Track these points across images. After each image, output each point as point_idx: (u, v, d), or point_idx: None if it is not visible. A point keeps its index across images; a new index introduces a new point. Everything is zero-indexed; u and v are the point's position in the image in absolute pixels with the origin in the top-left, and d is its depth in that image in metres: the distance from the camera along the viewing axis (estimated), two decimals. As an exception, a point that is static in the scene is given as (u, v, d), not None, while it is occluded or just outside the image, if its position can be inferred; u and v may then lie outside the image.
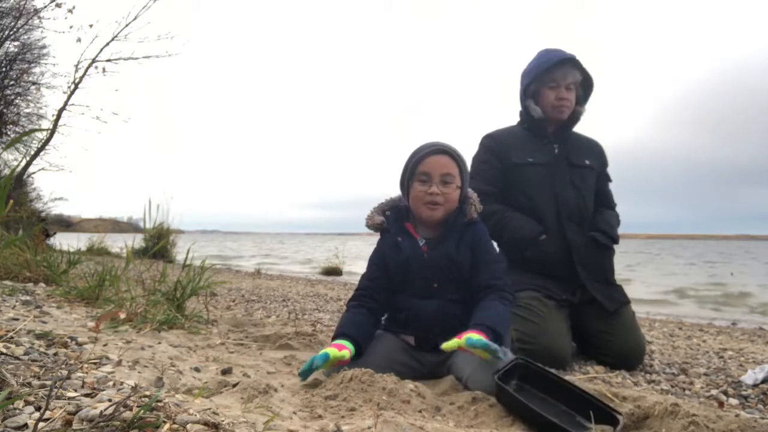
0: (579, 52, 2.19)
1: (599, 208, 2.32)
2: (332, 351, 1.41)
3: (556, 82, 2.21)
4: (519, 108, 2.35)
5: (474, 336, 1.34)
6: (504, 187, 2.26)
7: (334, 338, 1.54)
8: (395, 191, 1.79)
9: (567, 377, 1.67)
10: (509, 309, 1.55)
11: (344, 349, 1.44)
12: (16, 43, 10.32)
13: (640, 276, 11.36)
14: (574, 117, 2.28)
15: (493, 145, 2.31)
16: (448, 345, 1.37)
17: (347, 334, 1.53)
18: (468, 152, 2.38)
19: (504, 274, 1.63)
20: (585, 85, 2.29)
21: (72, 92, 10.06)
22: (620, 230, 2.34)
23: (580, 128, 2.36)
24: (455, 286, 1.61)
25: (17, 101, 10.62)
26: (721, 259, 20.91)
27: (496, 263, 1.63)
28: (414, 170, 1.63)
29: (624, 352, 2.04)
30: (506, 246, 2.27)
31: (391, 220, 1.71)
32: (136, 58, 10.29)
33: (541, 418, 1.11)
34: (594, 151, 2.35)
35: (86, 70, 10.08)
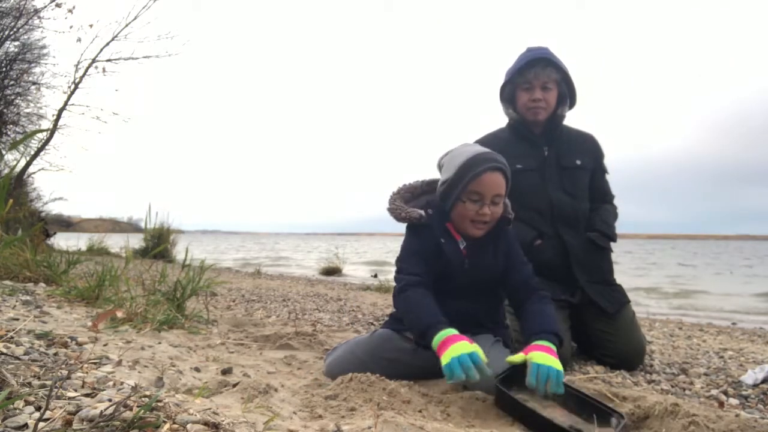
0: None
1: (596, 204, 2.29)
2: (469, 345, 1.33)
3: (529, 83, 2.16)
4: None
5: (548, 362, 1.29)
6: None
7: (429, 324, 1.41)
8: (395, 188, 1.75)
9: (567, 377, 1.68)
10: (554, 307, 1.59)
11: (465, 340, 1.36)
12: (16, 43, 10.32)
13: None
14: (556, 119, 2.22)
15: None
16: (513, 359, 1.34)
17: (445, 321, 1.42)
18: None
19: (533, 275, 1.66)
20: (569, 83, 2.21)
21: (72, 92, 10.07)
22: (622, 230, 2.31)
23: (573, 122, 2.31)
24: (493, 288, 1.66)
25: (17, 101, 10.62)
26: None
27: (526, 265, 1.67)
28: (466, 187, 1.55)
29: (625, 353, 2.03)
30: None
31: (435, 219, 1.64)
32: (136, 58, 10.30)
33: (542, 420, 1.11)
34: (586, 147, 2.30)
35: (86, 70, 10.08)
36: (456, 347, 1.32)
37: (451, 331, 1.37)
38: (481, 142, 2.32)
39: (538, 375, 1.26)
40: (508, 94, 2.26)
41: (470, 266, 1.60)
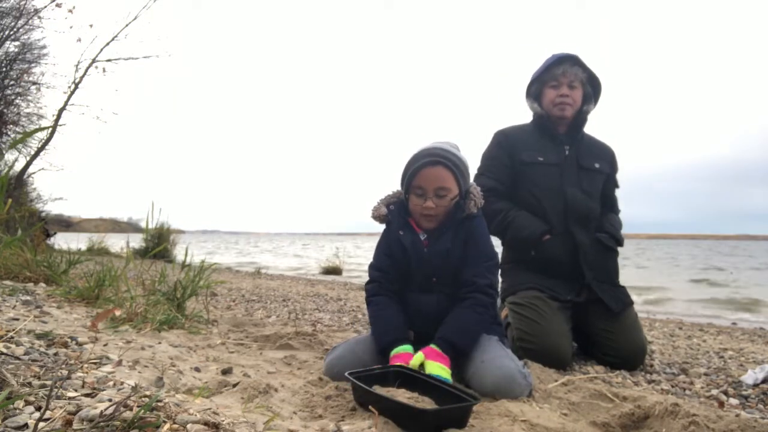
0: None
1: (604, 211, 2.33)
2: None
3: (557, 81, 2.22)
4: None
5: (439, 372, 1.38)
6: (512, 185, 2.26)
7: (389, 342, 1.52)
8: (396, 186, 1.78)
9: (566, 377, 1.68)
10: (487, 320, 1.57)
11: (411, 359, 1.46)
12: (16, 43, 10.32)
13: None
14: (581, 116, 2.28)
15: (504, 141, 2.31)
16: (415, 361, 1.43)
17: (403, 338, 1.54)
18: (475, 148, 2.38)
19: (490, 272, 1.62)
20: (594, 85, 2.29)
21: (72, 92, 10.09)
22: (623, 230, 2.35)
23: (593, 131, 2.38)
24: (454, 281, 1.62)
25: (17, 101, 10.62)
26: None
27: (484, 259, 1.62)
28: (410, 182, 1.62)
29: (626, 352, 2.04)
30: (511, 245, 2.28)
31: (394, 214, 1.71)
32: (136, 58, 10.33)
33: (390, 403, 1.09)
34: (605, 155, 2.36)
35: (86, 70, 10.10)
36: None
37: (401, 349, 1.50)
38: (507, 131, 2.37)
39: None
40: (535, 92, 2.32)
41: (430, 255, 1.61)
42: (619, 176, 2.41)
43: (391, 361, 1.48)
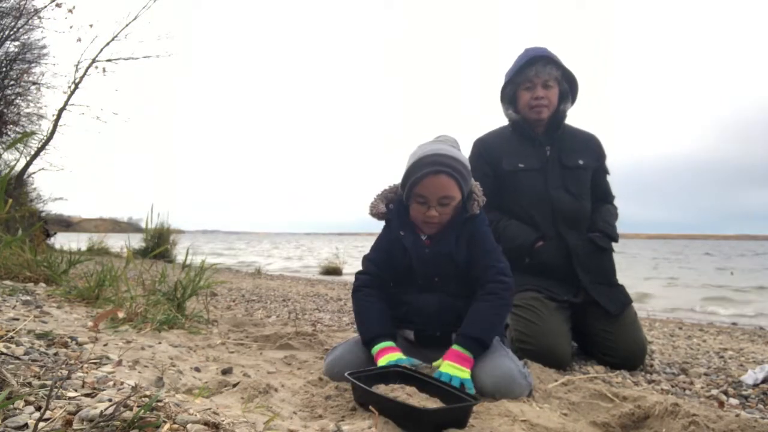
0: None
1: (597, 204, 2.29)
2: (395, 355, 1.46)
3: (531, 82, 2.16)
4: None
5: (452, 372, 1.38)
6: (497, 193, 2.20)
7: (372, 337, 1.53)
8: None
9: (566, 377, 1.68)
10: (504, 304, 1.55)
11: (397, 352, 1.49)
12: (16, 43, 10.33)
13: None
14: (559, 115, 2.22)
15: (484, 152, 2.27)
16: (437, 364, 1.45)
17: (388, 334, 1.55)
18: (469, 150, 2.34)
19: (497, 259, 1.60)
20: (570, 81, 2.22)
21: (72, 92, 10.10)
22: (622, 230, 2.32)
23: (576, 122, 2.32)
24: (456, 281, 1.61)
25: (17, 101, 10.62)
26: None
27: (490, 253, 1.60)
28: (411, 190, 1.58)
29: (626, 352, 2.03)
30: (505, 253, 2.26)
31: (394, 214, 1.68)
32: (136, 58, 10.34)
33: (390, 403, 1.09)
34: (589, 147, 2.29)
35: (86, 70, 10.12)
36: (386, 357, 1.46)
37: (387, 344, 1.51)
38: (486, 139, 2.33)
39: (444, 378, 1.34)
40: (509, 95, 2.26)
41: (432, 255, 1.60)
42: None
43: (377, 357, 1.48)
